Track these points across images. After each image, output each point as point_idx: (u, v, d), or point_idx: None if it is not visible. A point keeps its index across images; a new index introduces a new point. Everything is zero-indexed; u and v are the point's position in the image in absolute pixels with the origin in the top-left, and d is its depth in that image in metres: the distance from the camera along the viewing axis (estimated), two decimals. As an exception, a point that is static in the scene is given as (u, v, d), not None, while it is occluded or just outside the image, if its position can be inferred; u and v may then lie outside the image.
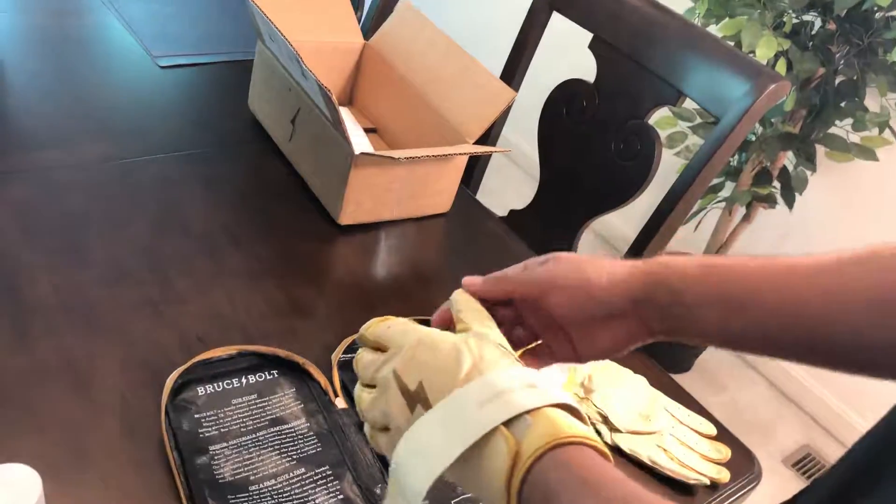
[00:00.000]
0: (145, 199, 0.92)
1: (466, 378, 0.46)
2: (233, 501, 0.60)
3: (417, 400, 0.47)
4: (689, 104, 1.39)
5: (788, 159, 1.83)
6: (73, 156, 0.95)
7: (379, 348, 0.52)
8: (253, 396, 0.70)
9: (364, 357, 0.53)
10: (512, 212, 1.33)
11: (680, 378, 2.01)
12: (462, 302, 0.56)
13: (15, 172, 0.89)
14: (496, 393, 0.44)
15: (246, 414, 0.68)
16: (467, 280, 0.58)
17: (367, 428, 0.52)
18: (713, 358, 2.13)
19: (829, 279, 0.50)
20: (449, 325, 0.56)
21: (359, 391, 0.52)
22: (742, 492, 0.78)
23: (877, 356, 0.49)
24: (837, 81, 1.66)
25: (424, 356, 0.48)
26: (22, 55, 1.14)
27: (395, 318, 0.54)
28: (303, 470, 0.64)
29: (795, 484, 1.85)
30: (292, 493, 0.62)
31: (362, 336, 0.54)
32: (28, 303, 0.74)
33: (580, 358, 0.57)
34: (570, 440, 0.43)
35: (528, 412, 0.44)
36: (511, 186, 2.46)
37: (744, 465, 0.80)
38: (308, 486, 0.63)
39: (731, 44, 1.33)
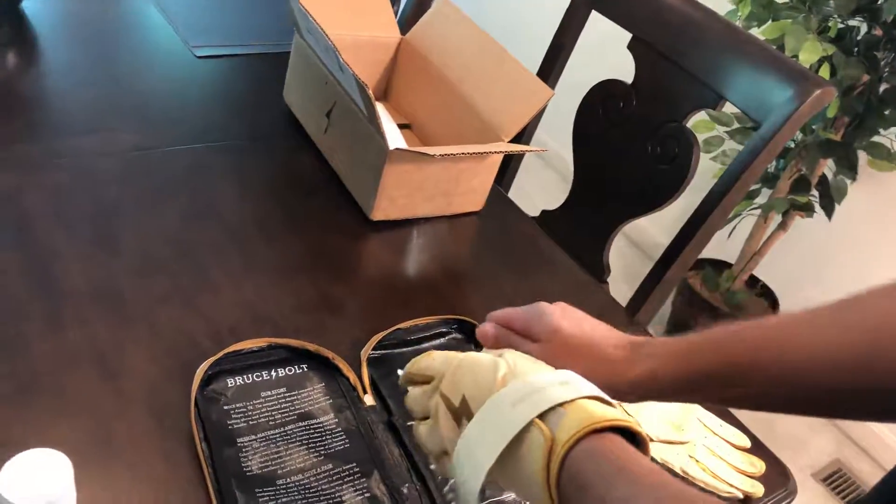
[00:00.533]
0: (178, 189, 0.92)
1: (502, 383, 0.48)
2: (260, 495, 0.60)
3: (463, 414, 0.49)
4: (727, 108, 1.36)
5: (828, 167, 1.79)
6: (107, 143, 0.95)
7: (425, 381, 0.55)
8: (282, 390, 0.69)
9: (412, 392, 0.56)
10: (544, 212, 1.31)
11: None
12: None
13: (50, 158, 0.90)
14: (529, 392, 0.46)
15: (274, 407, 0.68)
16: (480, 332, 0.61)
17: (431, 460, 0.55)
18: (743, 367, 2.09)
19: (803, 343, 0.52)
20: None
21: (416, 427, 0.55)
22: (775, 507, 0.76)
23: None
24: (882, 89, 1.62)
25: (465, 373, 0.51)
26: (60, 41, 1.15)
27: (436, 351, 0.56)
28: (330, 466, 0.64)
29: (825, 500, 1.81)
30: (319, 488, 0.62)
31: (408, 373, 0.57)
32: (60, 289, 0.74)
33: None
34: (603, 425, 0.43)
35: (561, 405, 0.45)
36: (542, 187, 2.44)
37: (778, 479, 0.77)
38: (335, 483, 0.63)
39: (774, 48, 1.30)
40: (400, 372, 0.61)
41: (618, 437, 0.44)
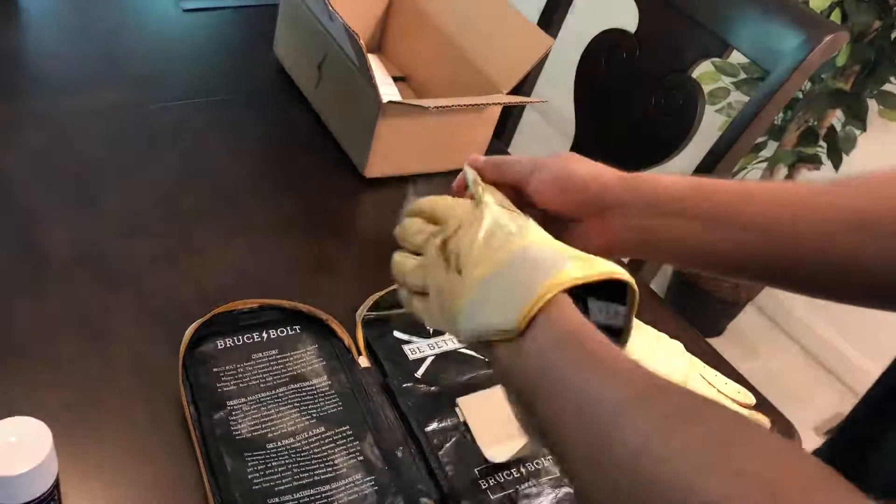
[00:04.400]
0: (165, 147, 0.89)
1: (505, 249, 0.45)
2: (249, 458, 0.58)
3: (456, 269, 0.46)
4: (734, 58, 1.32)
5: (837, 118, 1.75)
6: (92, 101, 0.92)
7: (431, 221, 0.52)
8: (274, 352, 0.67)
9: (414, 224, 0.53)
10: (545, 168, 1.28)
11: (711, 343, 1.96)
12: (474, 176, 0.55)
13: (32, 117, 0.87)
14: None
15: (266, 369, 0.66)
16: (471, 158, 0.57)
17: (403, 294, 0.52)
18: (746, 323, 2.08)
19: (800, 197, 0.50)
20: (464, 192, 0.56)
21: (399, 258, 0.53)
22: (780, 464, 0.74)
23: (874, 281, 0.48)
24: (894, 35, 1.57)
25: (467, 231, 0.47)
26: (43, -3, 1.12)
27: (448, 197, 0.53)
28: (322, 429, 0.62)
29: (828, 453, 1.81)
30: (311, 452, 0.60)
31: (417, 206, 0.54)
32: (43, 253, 0.72)
33: None
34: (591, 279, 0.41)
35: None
36: (543, 144, 2.40)
37: (782, 435, 0.76)
38: (327, 446, 0.61)
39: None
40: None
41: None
